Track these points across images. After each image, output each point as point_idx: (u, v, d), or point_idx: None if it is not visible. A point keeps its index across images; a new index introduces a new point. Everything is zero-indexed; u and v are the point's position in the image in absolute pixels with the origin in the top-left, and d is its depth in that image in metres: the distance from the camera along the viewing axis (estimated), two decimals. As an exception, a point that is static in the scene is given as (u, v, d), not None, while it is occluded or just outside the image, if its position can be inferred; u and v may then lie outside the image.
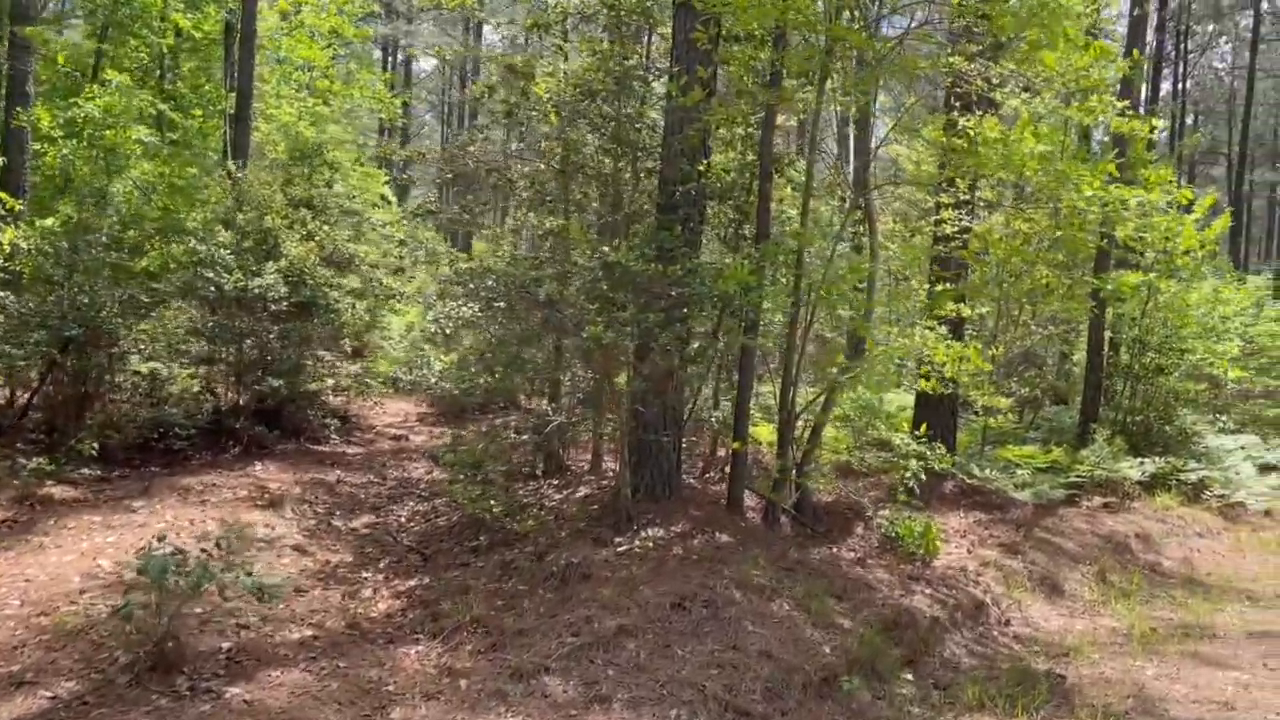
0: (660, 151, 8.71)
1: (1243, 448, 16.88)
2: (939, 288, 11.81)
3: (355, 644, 6.17)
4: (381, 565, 7.66)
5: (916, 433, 10.86)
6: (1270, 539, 13.55)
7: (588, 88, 7.71)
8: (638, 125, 8.50)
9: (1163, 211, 9.66)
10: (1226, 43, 50.46)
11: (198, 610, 5.88)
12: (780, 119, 10.57)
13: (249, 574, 5.62)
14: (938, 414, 12.82)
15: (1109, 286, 15.60)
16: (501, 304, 7.61)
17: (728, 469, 9.51)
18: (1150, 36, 35.74)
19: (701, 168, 8.70)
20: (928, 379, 11.24)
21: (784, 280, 9.31)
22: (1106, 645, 7.97)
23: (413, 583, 7.27)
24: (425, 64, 42.57)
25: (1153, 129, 12.30)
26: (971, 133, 10.25)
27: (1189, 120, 54.86)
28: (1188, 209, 17.24)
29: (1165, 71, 45.10)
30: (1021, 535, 10.50)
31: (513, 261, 8.02)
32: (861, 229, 11.31)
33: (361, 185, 19.80)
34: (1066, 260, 16.51)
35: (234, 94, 16.90)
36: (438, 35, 37.89)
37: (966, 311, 11.46)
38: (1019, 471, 13.00)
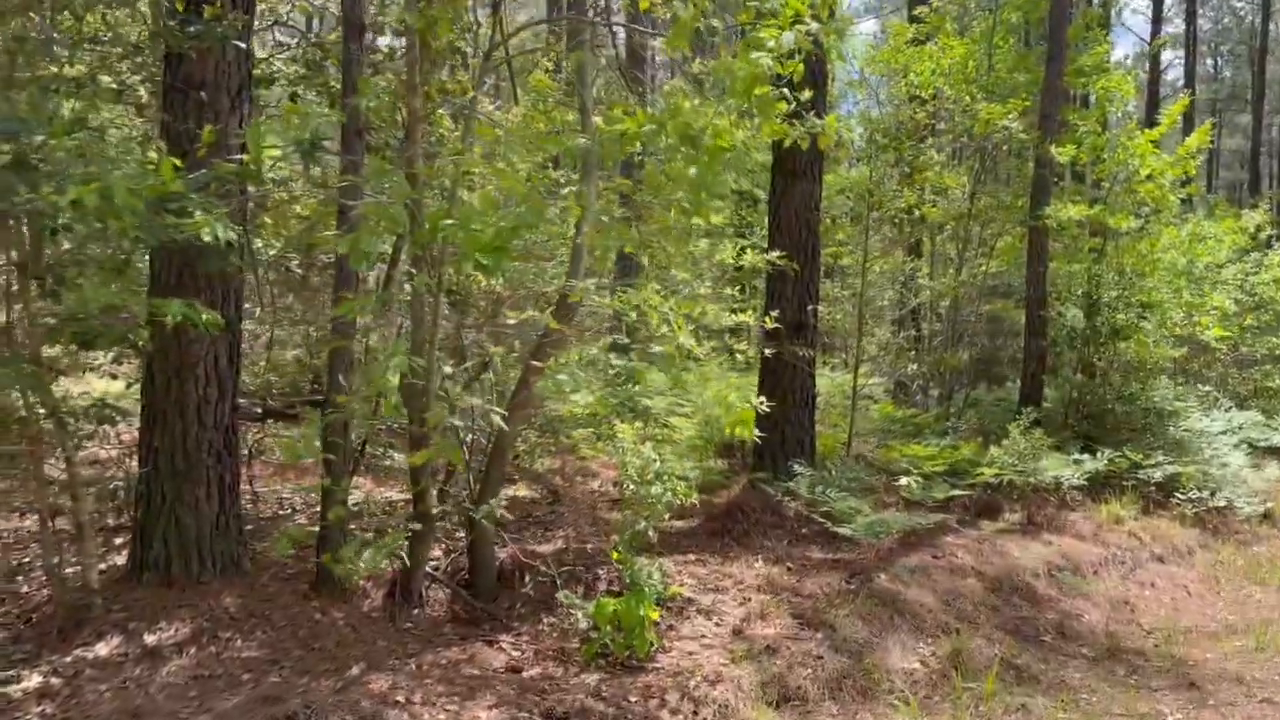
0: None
1: (1239, 428, 13.07)
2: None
3: None
4: None
5: (760, 433, 7.05)
6: (1263, 557, 9.79)
7: None
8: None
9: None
10: (1244, -25, 45.76)
11: None
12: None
13: None
14: (787, 402, 9.19)
15: (1047, 222, 11.88)
16: None
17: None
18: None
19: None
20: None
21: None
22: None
23: None
24: None
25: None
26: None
27: (1209, 63, 50.24)
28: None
29: (1171, 6, 40.82)
30: (853, 588, 6.88)
31: None
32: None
33: None
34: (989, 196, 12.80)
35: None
36: None
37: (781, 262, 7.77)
38: (905, 480, 9.33)
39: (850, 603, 6.59)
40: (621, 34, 12.52)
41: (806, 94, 5.83)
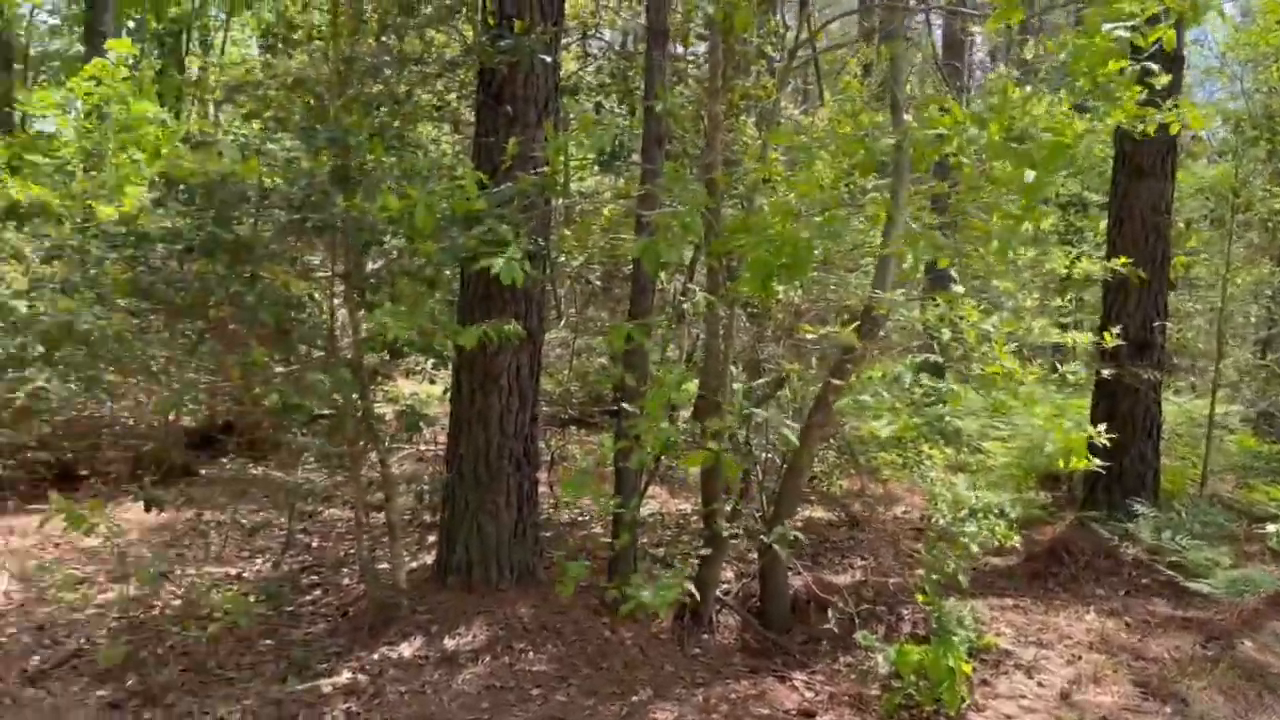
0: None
1: None
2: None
3: None
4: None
5: (1101, 462, 6.07)
6: None
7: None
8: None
9: None
10: None
11: None
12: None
13: None
14: (1126, 431, 8.07)
15: None
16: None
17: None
18: None
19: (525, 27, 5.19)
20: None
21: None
22: None
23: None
24: None
25: None
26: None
27: None
28: None
29: None
30: (1210, 654, 5.86)
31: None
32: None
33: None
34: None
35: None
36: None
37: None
38: (1273, 528, 7.95)
39: (1207, 673, 5.59)
40: (938, 25, 11.76)
41: (1164, 79, 5.00)
